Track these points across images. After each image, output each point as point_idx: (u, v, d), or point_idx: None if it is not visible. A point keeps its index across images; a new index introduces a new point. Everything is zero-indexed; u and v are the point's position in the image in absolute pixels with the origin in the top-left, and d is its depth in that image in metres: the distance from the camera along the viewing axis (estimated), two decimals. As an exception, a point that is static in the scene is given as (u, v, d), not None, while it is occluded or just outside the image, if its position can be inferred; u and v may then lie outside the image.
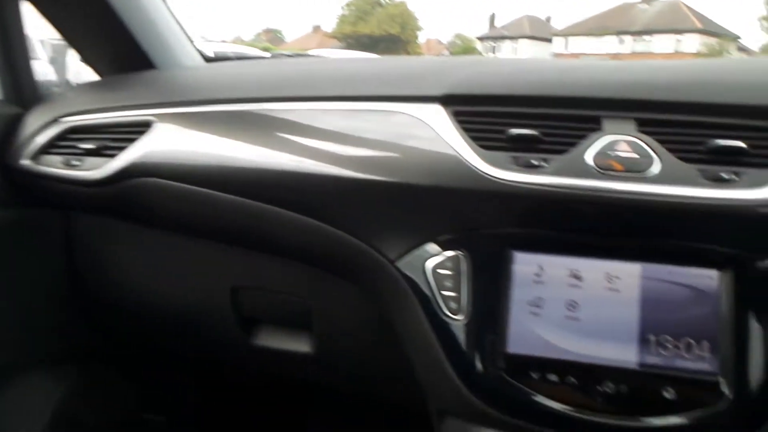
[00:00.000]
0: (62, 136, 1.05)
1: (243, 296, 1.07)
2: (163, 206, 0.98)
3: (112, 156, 1.00)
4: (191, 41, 1.42)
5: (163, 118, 0.99)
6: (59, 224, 1.14)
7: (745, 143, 0.74)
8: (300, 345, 1.08)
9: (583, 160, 0.77)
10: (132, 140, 0.99)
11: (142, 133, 0.99)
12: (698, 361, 0.73)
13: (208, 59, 1.49)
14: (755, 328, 0.72)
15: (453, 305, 0.79)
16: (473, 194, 0.79)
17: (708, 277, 0.74)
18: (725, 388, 0.71)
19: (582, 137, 0.79)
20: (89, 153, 1.02)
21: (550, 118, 0.81)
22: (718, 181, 0.73)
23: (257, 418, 1.57)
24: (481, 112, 0.84)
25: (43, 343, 1.19)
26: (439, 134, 0.83)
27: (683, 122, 0.77)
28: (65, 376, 1.22)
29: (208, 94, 1.01)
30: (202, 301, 1.10)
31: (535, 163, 0.78)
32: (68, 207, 1.12)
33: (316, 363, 1.10)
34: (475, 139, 0.82)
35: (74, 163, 1.03)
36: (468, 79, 0.89)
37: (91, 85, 1.24)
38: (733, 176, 0.73)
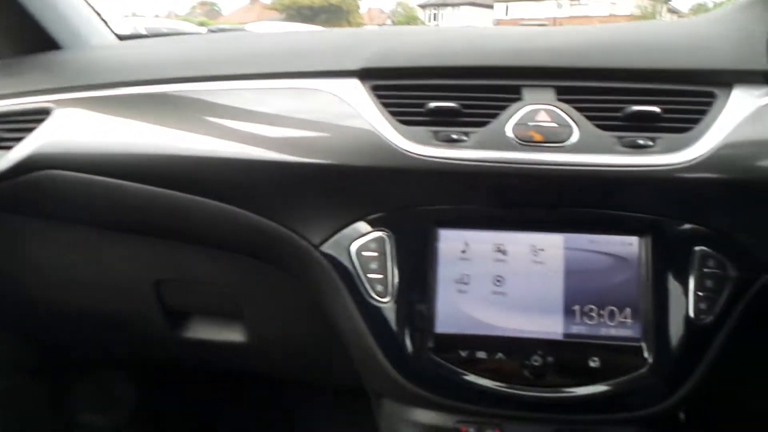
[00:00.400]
0: None
1: (168, 289, 1.02)
2: (69, 200, 0.92)
3: (7, 148, 0.92)
4: (101, 17, 1.32)
5: (63, 103, 0.92)
6: None
7: (659, 108, 0.74)
8: (233, 335, 1.04)
9: (503, 132, 0.75)
10: (29, 130, 0.91)
11: (40, 121, 0.91)
12: (621, 328, 0.74)
13: (122, 37, 1.39)
14: (674, 292, 0.73)
15: (379, 287, 0.77)
16: (393, 172, 0.76)
17: (628, 244, 0.74)
18: (647, 353, 0.72)
19: (502, 108, 0.77)
20: None
21: (470, 89, 0.79)
22: (635, 148, 0.73)
23: (200, 411, 1.53)
24: (399, 86, 0.81)
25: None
26: (357, 111, 0.80)
27: (600, 89, 0.77)
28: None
29: (112, 77, 0.93)
30: (126, 298, 1.05)
31: (455, 137, 0.76)
32: None
33: (250, 352, 1.07)
34: (394, 114, 0.79)
35: None
36: (385, 52, 0.86)
37: None
38: (649, 142, 0.73)
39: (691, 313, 0.72)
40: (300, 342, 1.03)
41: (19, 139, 0.92)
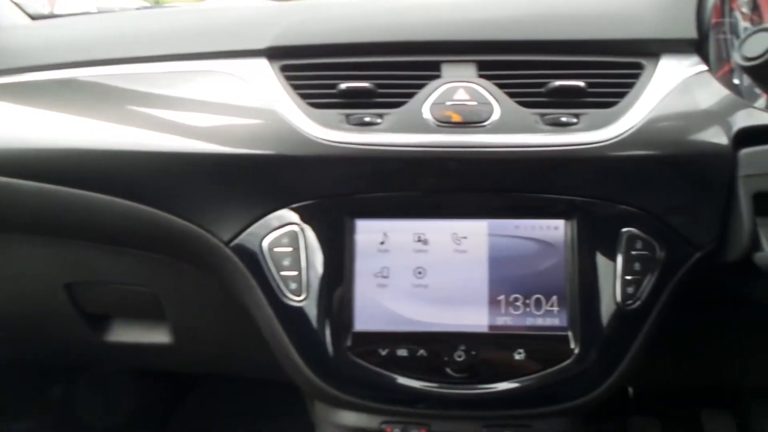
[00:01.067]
0: None
1: (81, 292, 0.95)
2: None
3: None
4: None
5: None
6: None
7: (584, 82, 0.69)
8: (158, 336, 0.98)
9: (420, 112, 0.70)
10: None
11: None
12: (548, 317, 0.70)
13: (35, 17, 1.28)
14: (601, 277, 0.69)
15: (293, 285, 0.72)
16: (301, 160, 0.70)
17: (554, 228, 0.70)
18: (573, 343, 0.69)
19: (420, 87, 0.71)
20: None
21: (385, 67, 0.73)
22: (558, 126, 0.68)
23: (128, 409, 1.48)
24: (309, 66, 0.74)
25: None
26: (263, 94, 0.73)
27: (522, 63, 0.72)
28: None
29: (6, 62, 0.84)
30: (37, 303, 0.97)
31: (368, 120, 0.70)
32: None
33: (179, 352, 1.01)
34: (304, 96, 0.72)
35: None
36: (295, 28, 0.79)
37: None
38: (573, 119, 0.68)
39: (619, 298, 0.69)
40: (229, 339, 0.98)
41: None
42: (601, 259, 0.69)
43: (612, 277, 0.69)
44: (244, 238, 0.73)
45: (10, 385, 1.28)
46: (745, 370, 1.06)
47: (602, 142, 0.67)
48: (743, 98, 0.70)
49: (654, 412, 1.39)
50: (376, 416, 0.74)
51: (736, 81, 0.71)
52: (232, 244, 0.74)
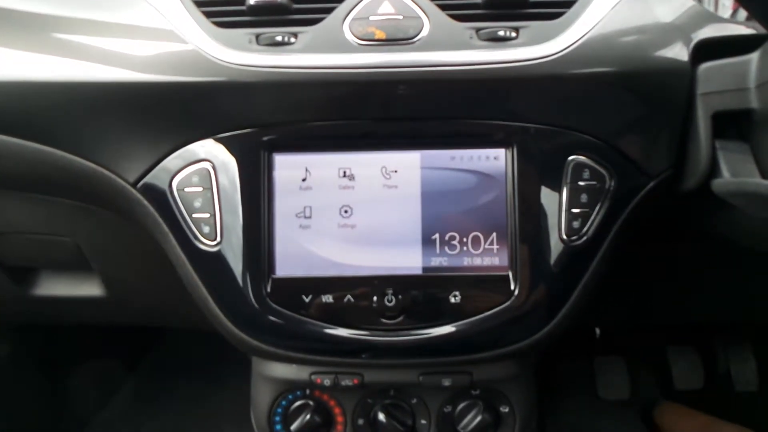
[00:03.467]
0: None
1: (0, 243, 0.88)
2: None
3: None
4: None
5: None
6: None
7: None
8: (89, 289, 0.92)
9: (340, 29, 0.61)
10: None
11: None
12: (486, 256, 0.64)
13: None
14: (545, 211, 0.63)
15: (206, 229, 0.65)
16: (207, 87, 0.61)
17: (493, 158, 0.63)
18: (513, 284, 0.63)
19: (340, 0, 0.62)
20: None
21: None
22: (495, 41, 0.60)
23: (88, 357, 1.43)
24: None
25: None
26: (162, 12, 0.64)
27: None
28: None
29: None
30: None
31: (281, 39, 0.61)
32: None
33: (110, 305, 0.95)
34: (209, 15, 0.63)
35: None
36: None
37: None
38: (511, 33, 0.60)
39: (564, 234, 0.63)
40: (160, 290, 0.91)
41: None
42: (545, 192, 0.63)
43: (557, 211, 0.63)
44: (152, 178, 0.66)
45: None
46: (711, 305, 1.02)
47: (544, 57, 0.59)
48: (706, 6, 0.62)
49: (620, 351, 1.38)
50: (305, 367, 0.69)
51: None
52: (138, 185, 0.66)
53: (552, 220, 0.63)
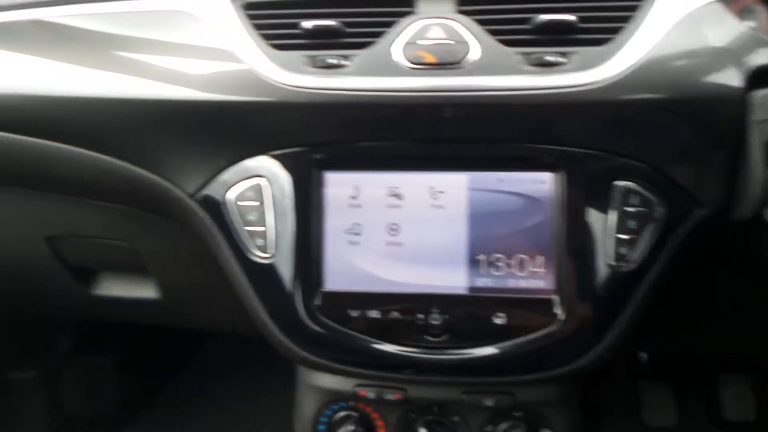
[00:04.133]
0: None
1: (65, 245, 0.93)
2: None
3: None
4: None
5: None
6: None
7: (575, 16, 0.61)
8: (144, 291, 0.96)
9: (389, 53, 0.63)
10: None
11: None
12: (532, 279, 0.64)
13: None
14: (591, 236, 0.63)
15: (260, 242, 0.67)
16: (263, 107, 0.64)
17: (540, 182, 0.64)
18: (559, 307, 0.63)
19: (391, 24, 0.64)
20: None
21: (354, 3, 0.66)
22: (544, 66, 0.61)
23: (138, 357, 1.49)
24: (272, 3, 0.68)
25: None
26: (223, 35, 0.67)
27: None
28: None
29: None
30: (19, 254, 0.95)
31: (334, 62, 0.64)
32: None
33: (165, 308, 0.99)
34: (267, 37, 0.66)
35: None
36: None
37: None
38: (560, 58, 0.61)
39: (611, 260, 0.63)
40: (213, 296, 0.95)
41: None
42: (592, 217, 0.63)
43: (604, 237, 0.63)
44: (209, 191, 0.69)
45: (16, 335, 1.30)
46: (762, 335, 0.99)
47: (594, 83, 0.59)
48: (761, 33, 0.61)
49: (666, 376, 1.34)
50: (350, 379, 0.71)
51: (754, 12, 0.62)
52: (196, 196, 0.70)
53: (599, 246, 0.63)
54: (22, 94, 0.72)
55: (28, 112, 0.73)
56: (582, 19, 0.61)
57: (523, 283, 0.64)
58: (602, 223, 0.62)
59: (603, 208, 0.63)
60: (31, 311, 1.16)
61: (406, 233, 0.66)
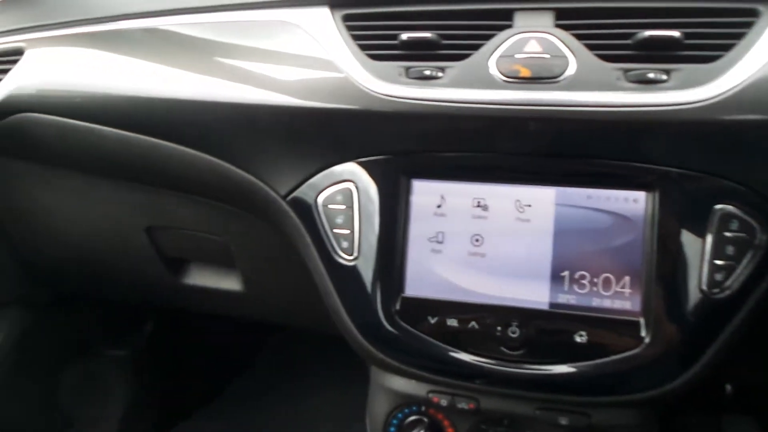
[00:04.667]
0: None
1: (161, 236, 1.00)
2: (47, 144, 0.89)
3: None
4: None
5: (35, 43, 0.87)
6: None
7: (680, 32, 0.59)
8: (230, 284, 1.02)
9: (485, 66, 0.64)
10: (5, 71, 0.88)
11: (14, 62, 0.88)
12: (617, 299, 0.63)
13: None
14: (685, 259, 0.61)
15: (345, 244, 0.70)
16: (357, 115, 0.67)
17: (633, 201, 0.62)
18: (645, 331, 0.61)
19: (487, 38, 0.65)
20: None
21: (453, 16, 0.67)
22: (644, 83, 0.59)
23: (210, 348, 1.56)
24: (371, 15, 0.70)
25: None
26: (322, 45, 0.70)
27: (609, 10, 0.62)
28: (2, 322, 1.19)
29: (81, 13, 0.88)
30: (121, 243, 1.03)
31: (429, 73, 0.65)
32: None
33: (247, 301, 1.04)
34: (364, 48, 0.69)
35: None
36: None
37: None
38: (662, 75, 0.59)
39: (705, 286, 0.60)
40: (294, 292, 0.99)
41: None
42: (686, 240, 0.61)
43: (699, 261, 0.60)
44: (300, 193, 0.72)
45: (107, 317, 1.40)
46: None
47: (698, 102, 0.57)
48: None
49: (753, 413, 1.26)
50: (424, 384, 0.72)
51: None
52: (288, 198, 0.73)
53: (692, 270, 0.60)
54: (135, 96, 0.78)
55: (141, 112, 0.79)
56: (687, 36, 0.59)
57: (607, 303, 0.63)
58: (697, 247, 0.60)
59: (699, 232, 0.60)
60: (125, 295, 1.25)
61: (489, 244, 0.66)
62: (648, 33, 0.59)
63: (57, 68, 0.86)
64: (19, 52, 0.88)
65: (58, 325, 1.32)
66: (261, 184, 0.75)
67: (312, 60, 0.70)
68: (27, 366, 1.23)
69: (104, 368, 1.43)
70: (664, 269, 0.61)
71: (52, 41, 0.87)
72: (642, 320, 0.62)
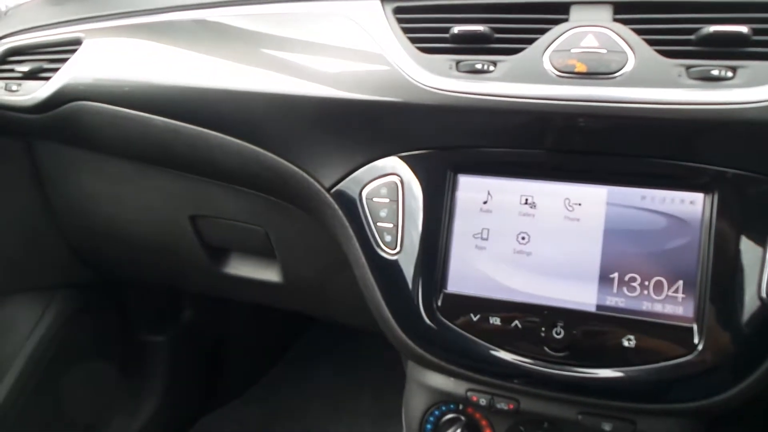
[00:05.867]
0: (2, 59, 0.99)
1: (204, 225, 1.01)
2: (99, 132, 0.91)
3: (47, 79, 0.93)
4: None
5: (92, 33, 0.90)
6: (22, 153, 1.10)
7: (747, 28, 0.56)
8: (269, 274, 1.03)
9: (539, 60, 0.62)
10: (64, 60, 0.91)
11: (72, 52, 0.90)
12: (669, 303, 0.60)
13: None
14: (744, 265, 0.58)
15: (388, 238, 0.69)
16: (405, 108, 0.66)
17: (689, 203, 0.60)
18: (698, 337, 0.59)
19: (542, 32, 0.63)
20: (26, 76, 0.95)
21: (506, 9, 0.66)
22: (707, 80, 0.57)
23: (247, 336, 1.58)
24: (422, 8, 0.69)
25: (25, 273, 1.20)
26: (372, 37, 0.70)
27: (671, 4, 0.60)
28: (52, 303, 1.23)
29: (136, 4, 0.90)
30: (166, 230, 1.06)
31: (480, 67, 0.64)
32: (20, 134, 1.07)
33: (285, 291, 1.05)
34: (414, 41, 0.68)
35: (13, 88, 0.96)
36: None
37: (35, 2, 1.15)
38: (727, 72, 0.57)
39: (764, 293, 0.57)
40: (333, 285, 0.99)
41: (56, 70, 0.92)
42: (746, 245, 0.58)
43: (759, 268, 0.58)
44: (345, 186, 0.72)
45: (148, 303, 1.44)
46: None
47: (765, 101, 0.55)
48: None
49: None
50: (463, 382, 0.71)
51: None
52: (332, 190, 0.73)
53: (750, 277, 0.58)
54: (186, 86, 0.80)
55: (190, 102, 0.80)
56: (756, 32, 0.56)
57: (658, 307, 0.61)
58: (758, 253, 0.58)
59: (760, 237, 0.58)
60: (167, 281, 1.27)
61: (535, 243, 0.64)
62: (713, 28, 0.57)
63: (112, 58, 0.88)
64: (77, 42, 0.90)
65: (103, 309, 1.35)
66: (305, 175, 0.75)
67: (362, 52, 0.69)
68: (74, 347, 1.27)
69: (144, 353, 1.47)
70: (721, 275, 0.58)
71: (108, 32, 0.89)
72: (695, 326, 0.59)
